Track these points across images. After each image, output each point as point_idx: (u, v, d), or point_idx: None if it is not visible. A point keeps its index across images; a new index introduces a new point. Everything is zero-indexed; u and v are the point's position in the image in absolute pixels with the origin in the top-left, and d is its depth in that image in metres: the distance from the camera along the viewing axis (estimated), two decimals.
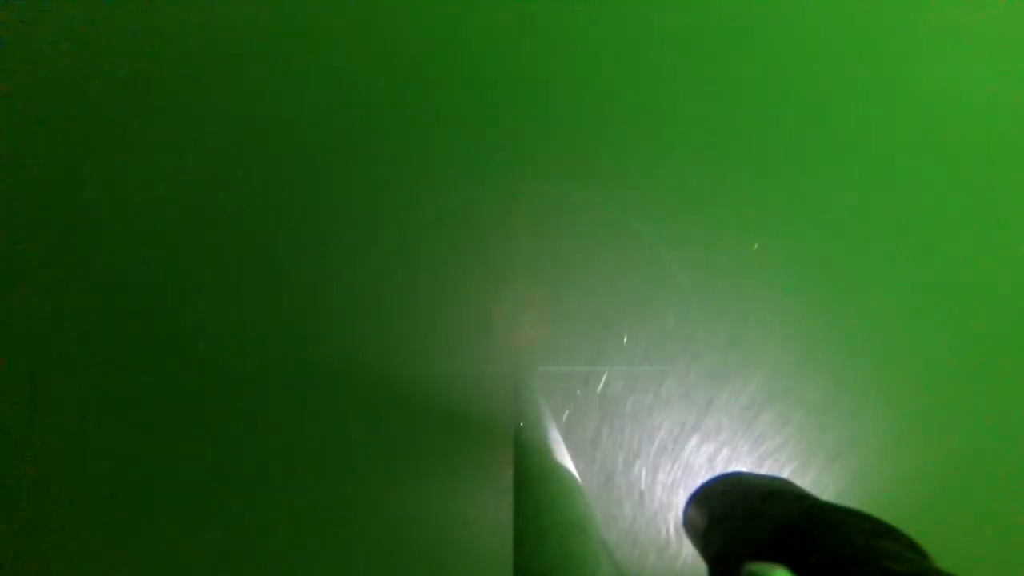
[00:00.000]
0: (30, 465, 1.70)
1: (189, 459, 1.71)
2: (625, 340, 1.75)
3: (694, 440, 1.76)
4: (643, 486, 1.76)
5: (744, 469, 1.79)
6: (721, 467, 1.78)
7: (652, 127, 1.77)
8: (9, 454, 1.69)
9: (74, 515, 1.71)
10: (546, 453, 1.14)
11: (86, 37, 1.71)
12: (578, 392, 1.75)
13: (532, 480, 1.04)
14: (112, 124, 1.72)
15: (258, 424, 1.71)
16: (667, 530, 1.76)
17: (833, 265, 1.78)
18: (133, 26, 1.71)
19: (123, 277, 1.71)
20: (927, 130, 1.78)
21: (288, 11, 1.73)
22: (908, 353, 1.78)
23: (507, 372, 1.72)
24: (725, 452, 1.77)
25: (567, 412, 1.74)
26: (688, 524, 0.71)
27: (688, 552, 1.76)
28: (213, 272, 1.72)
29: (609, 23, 1.76)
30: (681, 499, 1.77)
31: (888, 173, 1.78)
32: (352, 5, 1.74)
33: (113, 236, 1.71)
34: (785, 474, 1.80)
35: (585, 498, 0.97)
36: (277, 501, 1.73)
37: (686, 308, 1.75)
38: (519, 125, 1.76)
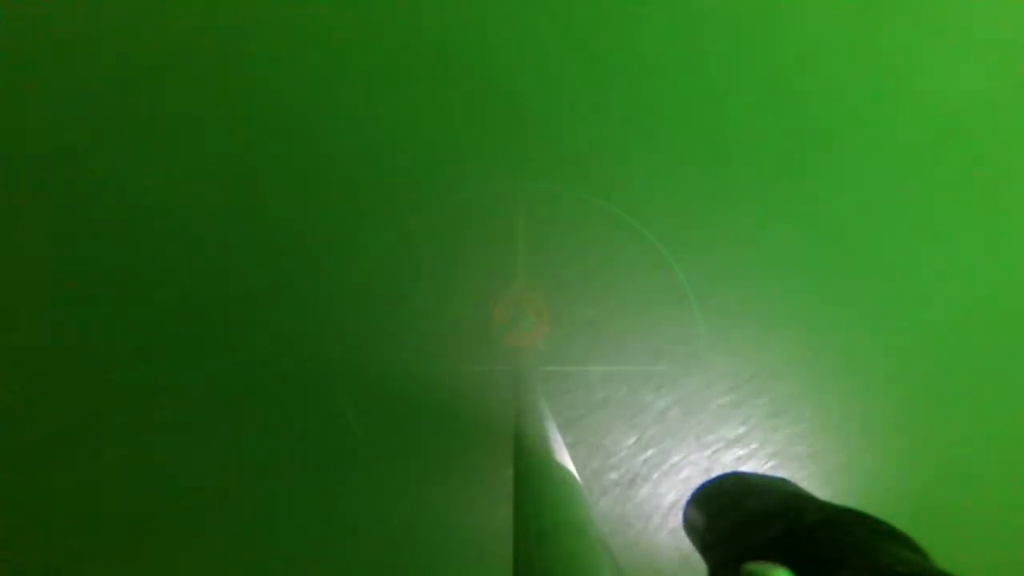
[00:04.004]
0: (31, 463, 1.70)
1: (189, 458, 1.71)
2: (625, 340, 1.75)
3: (695, 440, 1.76)
4: (643, 486, 1.76)
5: (744, 469, 1.79)
6: (721, 467, 1.78)
7: (654, 128, 1.77)
8: (10, 452, 1.69)
9: (72, 513, 1.71)
10: (546, 453, 1.14)
11: (94, 36, 1.71)
12: (578, 392, 1.75)
13: (532, 480, 1.04)
14: (116, 124, 1.72)
15: (258, 423, 1.71)
16: (667, 530, 1.76)
17: (833, 267, 1.78)
18: (140, 26, 1.71)
19: (125, 275, 1.71)
20: (928, 131, 1.78)
21: (293, 16, 1.73)
22: (908, 354, 1.78)
23: (507, 372, 1.72)
24: (725, 452, 1.77)
25: (567, 412, 1.74)
26: (688, 524, 0.71)
27: (688, 552, 1.76)
28: (215, 270, 1.72)
29: (611, 24, 1.76)
30: (681, 499, 1.77)
31: (889, 175, 1.78)
32: (358, 7, 1.74)
33: (115, 233, 1.71)
34: (785, 474, 1.80)
35: (585, 498, 0.97)
36: (278, 500, 1.73)
37: (686, 308, 1.75)
38: (520, 126, 1.76)
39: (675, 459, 1.76)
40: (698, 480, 1.76)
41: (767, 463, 1.78)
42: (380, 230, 1.73)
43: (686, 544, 1.78)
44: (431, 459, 1.72)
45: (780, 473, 1.79)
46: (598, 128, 1.76)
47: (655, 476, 1.75)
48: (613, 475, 1.75)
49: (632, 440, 1.75)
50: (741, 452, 1.77)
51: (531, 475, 1.07)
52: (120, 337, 1.70)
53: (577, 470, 1.12)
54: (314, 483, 1.73)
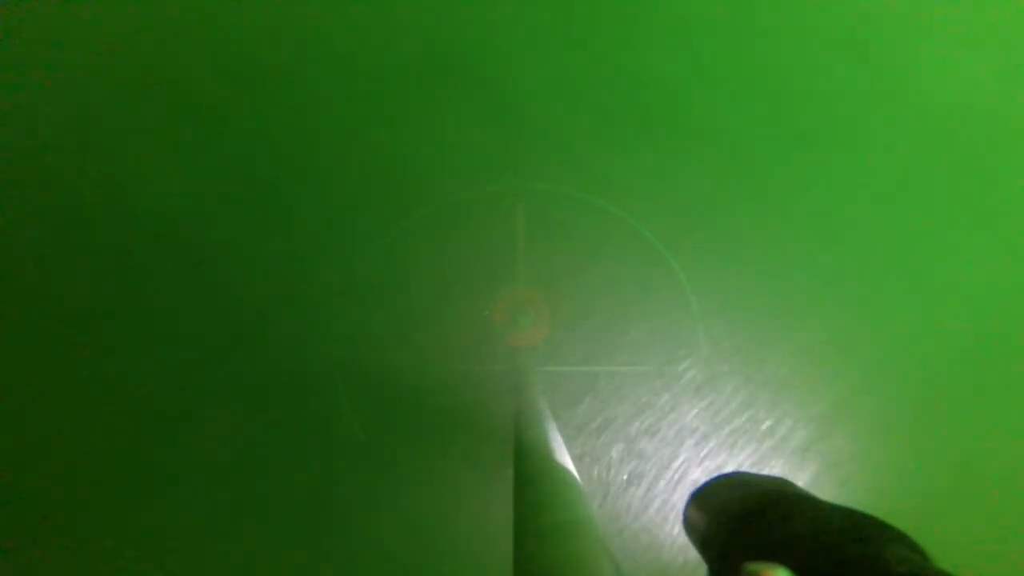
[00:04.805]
0: (32, 462, 1.70)
1: (191, 458, 1.71)
2: (625, 341, 1.75)
3: (694, 440, 1.76)
4: (643, 486, 1.76)
5: (744, 469, 1.79)
6: (721, 467, 1.78)
7: (653, 129, 1.77)
8: (11, 450, 1.69)
9: (73, 512, 1.71)
10: (546, 453, 1.14)
11: (100, 37, 1.71)
12: (578, 392, 1.75)
13: (532, 480, 1.04)
14: (118, 128, 1.73)
15: (260, 423, 1.71)
16: (667, 530, 1.76)
17: (834, 266, 1.78)
18: (141, 30, 1.72)
19: (128, 278, 1.71)
20: (928, 131, 1.78)
21: (294, 18, 1.73)
22: (907, 355, 1.78)
23: (507, 372, 1.72)
24: (726, 452, 1.77)
25: (567, 412, 1.74)
26: (688, 524, 0.71)
27: (688, 552, 1.76)
28: (218, 273, 1.72)
29: (611, 24, 1.76)
30: (681, 499, 1.77)
31: (890, 174, 1.78)
32: (358, 10, 1.74)
33: (117, 235, 1.71)
34: (785, 474, 1.80)
35: (585, 498, 0.97)
36: (279, 499, 1.73)
37: (686, 309, 1.75)
38: (521, 126, 1.76)
39: (675, 459, 1.76)
40: (698, 480, 1.76)
41: (767, 463, 1.78)
42: (380, 231, 1.73)
43: (686, 544, 1.78)
44: (431, 459, 1.72)
45: (780, 473, 1.79)
46: (598, 128, 1.76)
47: (655, 476, 1.75)
48: (613, 475, 1.75)
49: (632, 439, 1.75)
50: (741, 452, 1.77)
51: (531, 475, 1.06)
52: (122, 339, 1.70)
53: (577, 470, 1.12)
54: (315, 482, 1.73)
